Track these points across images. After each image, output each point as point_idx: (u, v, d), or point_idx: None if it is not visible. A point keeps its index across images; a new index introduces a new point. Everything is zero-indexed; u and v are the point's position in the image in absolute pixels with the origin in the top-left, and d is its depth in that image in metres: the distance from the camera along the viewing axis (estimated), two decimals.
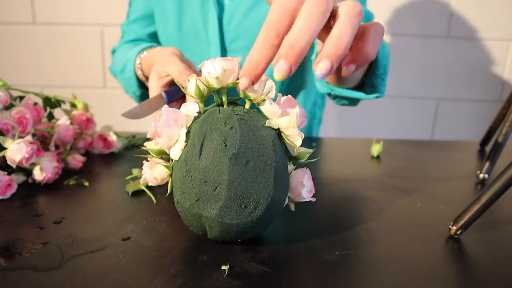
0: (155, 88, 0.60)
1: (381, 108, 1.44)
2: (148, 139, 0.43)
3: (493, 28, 1.35)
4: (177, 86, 0.60)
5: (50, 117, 0.68)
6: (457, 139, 1.41)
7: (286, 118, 0.39)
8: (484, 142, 0.82)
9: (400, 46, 1.37)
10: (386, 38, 1.36)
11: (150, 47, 0.74)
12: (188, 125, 0.40)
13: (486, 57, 1.38)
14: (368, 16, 0.72)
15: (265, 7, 0.80)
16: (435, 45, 1.37)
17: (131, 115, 0.57)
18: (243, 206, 0.37)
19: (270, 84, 0.40)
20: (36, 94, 0.66)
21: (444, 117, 1.45)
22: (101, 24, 1.36)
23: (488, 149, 0.75)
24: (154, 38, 0.90)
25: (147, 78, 0.73)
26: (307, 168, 0.43)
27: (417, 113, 1.44)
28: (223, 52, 0.82)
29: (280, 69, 0.33)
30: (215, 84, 0.40)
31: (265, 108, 0.40)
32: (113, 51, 0.91)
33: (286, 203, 0.43)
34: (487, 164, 0.63)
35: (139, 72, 0.73)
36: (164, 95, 0.59)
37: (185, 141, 0.39)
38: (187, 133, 0.40)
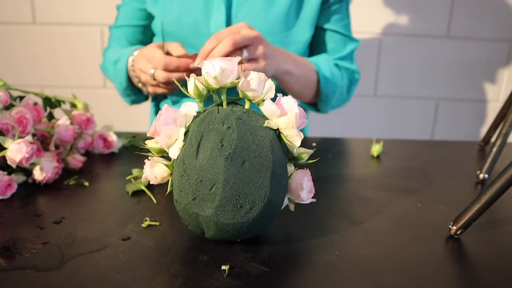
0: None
1: (381, 108, 1.44)
2: (149, 138, 0.43)
3: (493, 28, 1.35)
4: None
5: (50, 117, 0.68)
6: (457, 139, 1.41)
7: (285, 118, 0.39)
8: (486, 141, 0.82)
9: (400, 46, 1.37)
10: (387, 38, 1.36)
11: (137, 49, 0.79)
12: (187, 125, 0.40)
13: (486, 57, 1.38)
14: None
15: (273, 1, 0.81)
16: (435, 45, 1.37)
17: None
18: (238, 206, 0.37)
19: (269, 84, 0.40)
20: (36, 94, 0.66)
21: (444, 117, 1.45)
22: (100, 24, 1.36)
23: (488, 149, 0.75)
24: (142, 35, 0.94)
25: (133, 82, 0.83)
26: (307, 169, 0.43)
27: (417, 113, 1.44)
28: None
29: None
30: (214, 84, 0.40)
31: (265, 108, 0.40)
32: (105, 52, 0.96)
33: (286, 204, 0.43)
34: (487, 164, 0.63)
35: (130, 67, 0.80)
36: None
37: (183, 141, 0.39)
38: (186, 133, 0.40)
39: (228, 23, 0.82)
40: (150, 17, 0.91)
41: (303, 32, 0.85)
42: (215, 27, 0.81)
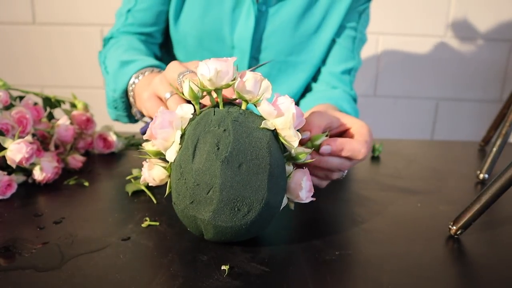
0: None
1: (381, 108, 1.44)
2: (146, 140, 0.43)
3: (493, 28, 1.35)
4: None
5: (50, 117, 0.68)
6: (457, 139, 1.41)
7: (282, 118, 0.39)
8: (486, 141, 0.82)
9: (400, 46, 1.37)
10: (387, 38, 1.36)
11: (151, 67, 0.64)
12: (184, 127, 0.40)
13: (486, 57, 1.37)
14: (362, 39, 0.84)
15: (305, 21, 0.77)
16: (435, 45, 1.37)
17: None
18: (236, 209, 0.37)
19: (266, 84, 0.40)
20: (36, 94, 0.66)
21: (444, 117, 1.45)
22: (100, 24, 1.36)
23: (488, 149, 0.75)
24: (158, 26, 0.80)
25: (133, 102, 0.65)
26: (306, 168, 0.43)
27: (417, 113, 1.44)
28: (251, 59, 0.78)
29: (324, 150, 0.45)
30: (209, 86, 0.39)
31: (261, 109, 0.39)
32: (110, 38, 0.80)
33: (285, 204, 0.43)
34: (487, 164, 0.63)
35: (130, 93, 0.64)
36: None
37: (180, 144, 0.39)
38: (182, 136, 0.39)
39: (255, 37, 0.76)
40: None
41: (317, 57, 0.80)
42: (239, 38, 0.75)
